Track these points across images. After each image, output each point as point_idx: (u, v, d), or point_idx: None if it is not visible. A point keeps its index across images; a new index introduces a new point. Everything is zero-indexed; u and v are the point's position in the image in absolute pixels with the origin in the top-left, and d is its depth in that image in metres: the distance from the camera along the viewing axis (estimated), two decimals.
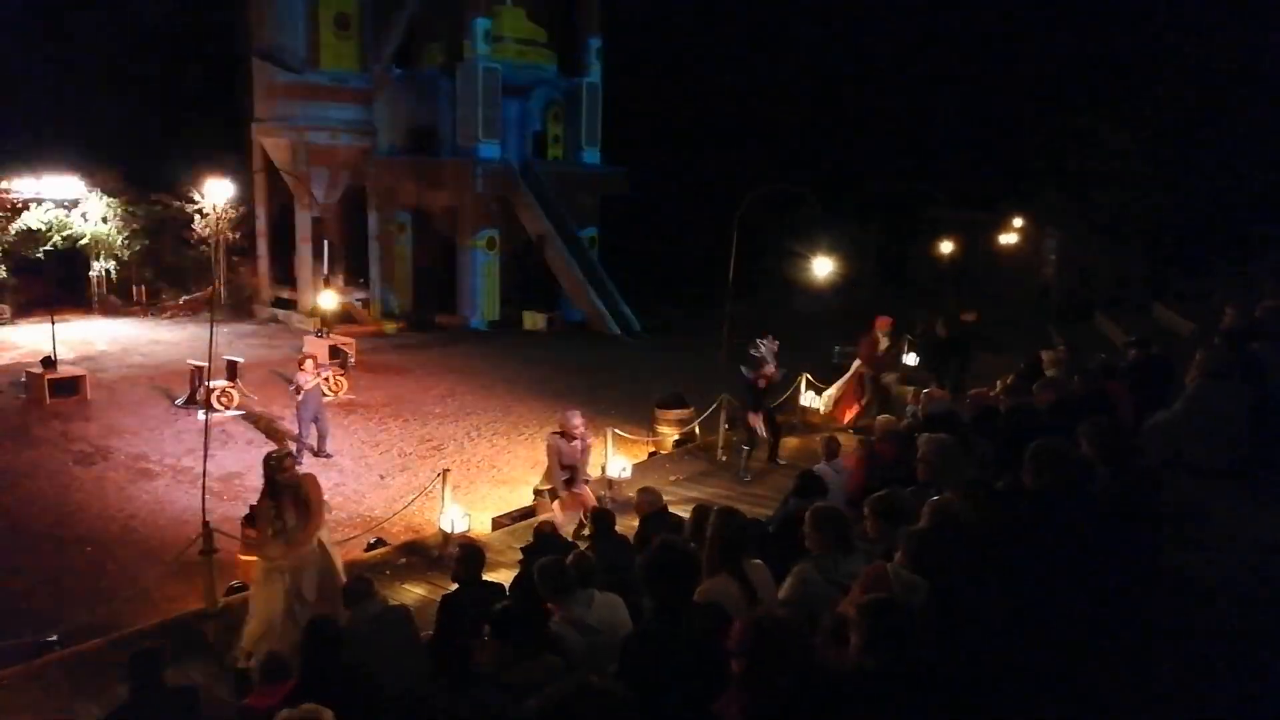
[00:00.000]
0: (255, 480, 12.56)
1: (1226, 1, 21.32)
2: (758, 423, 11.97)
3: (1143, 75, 23.27)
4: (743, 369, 11.88)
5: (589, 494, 9.56)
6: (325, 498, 7.19)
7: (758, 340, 11.88)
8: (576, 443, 9.38)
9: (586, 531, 9.05)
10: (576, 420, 9.38)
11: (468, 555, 6.09)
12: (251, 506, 7.03)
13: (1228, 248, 20.83)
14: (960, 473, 5.21)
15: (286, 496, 6.70)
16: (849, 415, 13.86)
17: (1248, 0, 20.62)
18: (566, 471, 9.36)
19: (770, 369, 11.68)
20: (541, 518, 9.75)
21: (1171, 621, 4.23)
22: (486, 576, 6.82)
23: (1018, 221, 30.16)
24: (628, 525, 7.58)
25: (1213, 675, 3.78)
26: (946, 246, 26.53)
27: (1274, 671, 3.84)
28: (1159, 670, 3.80)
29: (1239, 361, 6.70)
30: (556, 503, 9.40)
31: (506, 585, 6.40)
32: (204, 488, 8.42)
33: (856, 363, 13.88)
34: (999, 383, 9.40)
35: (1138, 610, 4.17)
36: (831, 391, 14.14)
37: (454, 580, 6.15)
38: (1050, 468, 4.41)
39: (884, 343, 13.89)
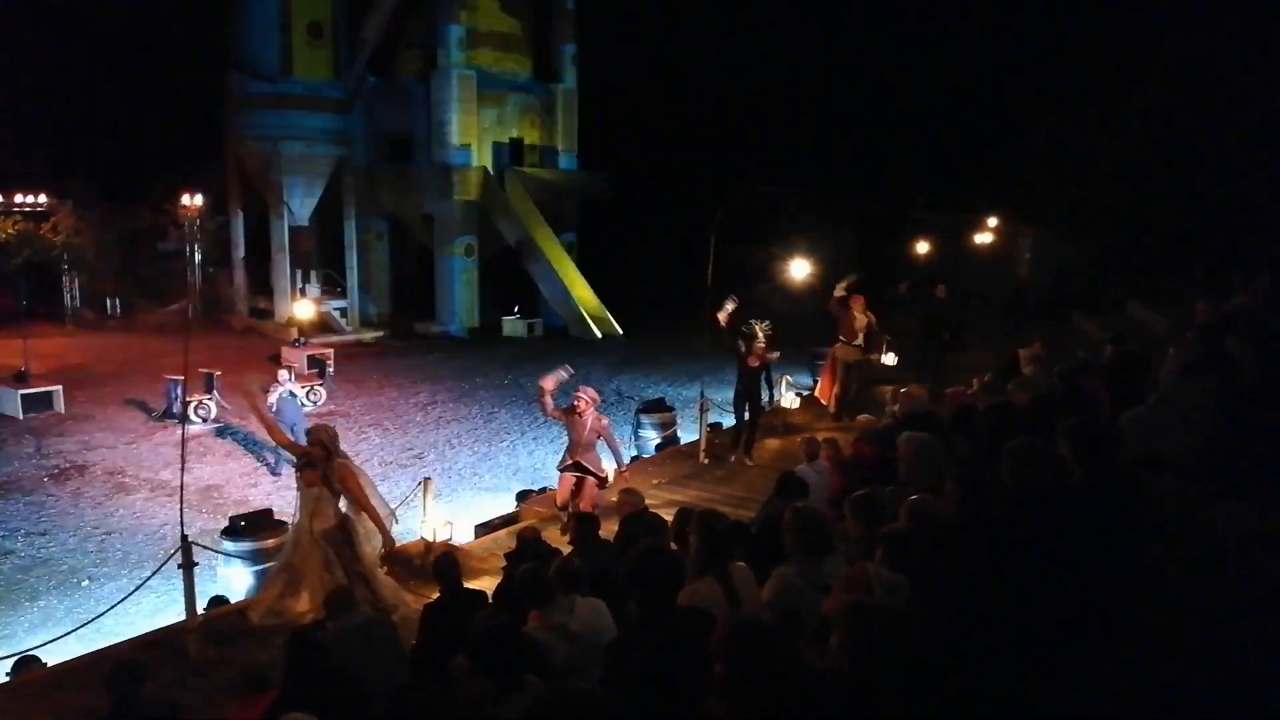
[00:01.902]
0: (234, 492, 12.55)
1: (1203, 4, 21.61)
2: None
3: (1117, 75, 23.53)
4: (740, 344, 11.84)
5: (591, 492, 9.47)
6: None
7: (750, 320, 11.86)
8: (579, 417, 9.16)
9: (568, 536, 9.04)
10: (584, 394, 9.22)
11: (442, 565, 6.06)
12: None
13: (1202, 245, 21.08)
14: (939, 471, 5.24)
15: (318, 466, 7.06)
16: (829, 397, 13.91)
17: (1222, 4, 20.91)
18: (572, 451, 9.26)
19: (761, 346, 11.59)
20: (527, 523, 9.72)
21: (1149, 616, 4.26)
22: (473, 585, 6.82)
23: (993, 221, 30.38)
24: (612, 529, 7.56)
25: (1192, 669, 3.82)
26: (923, 246, 26.68)
27: (1254, 664, 3.88)
28: (1138, 665, 3.83)
29: (1212, 357, 6.77)
30: (562, 479, 9.34)
31: (489, 592, 6.38)
32: (182, 501, 8.33)
33: (835, 348, 13.90)
34: (976, 381, 9.45)
35: (1116, 606, 4.20)
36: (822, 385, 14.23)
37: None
38: (1028, 466, 4.44)
39: (860, 319, 13.78)
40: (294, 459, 7.19)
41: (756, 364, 11.69)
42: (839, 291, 13.61)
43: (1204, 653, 3.91)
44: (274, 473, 13.28)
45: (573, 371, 9.19)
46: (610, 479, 9.53)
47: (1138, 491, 5.09)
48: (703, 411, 12.60)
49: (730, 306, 11.54)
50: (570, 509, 9.24)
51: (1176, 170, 22.08)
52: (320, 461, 7.10)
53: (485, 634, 3.84)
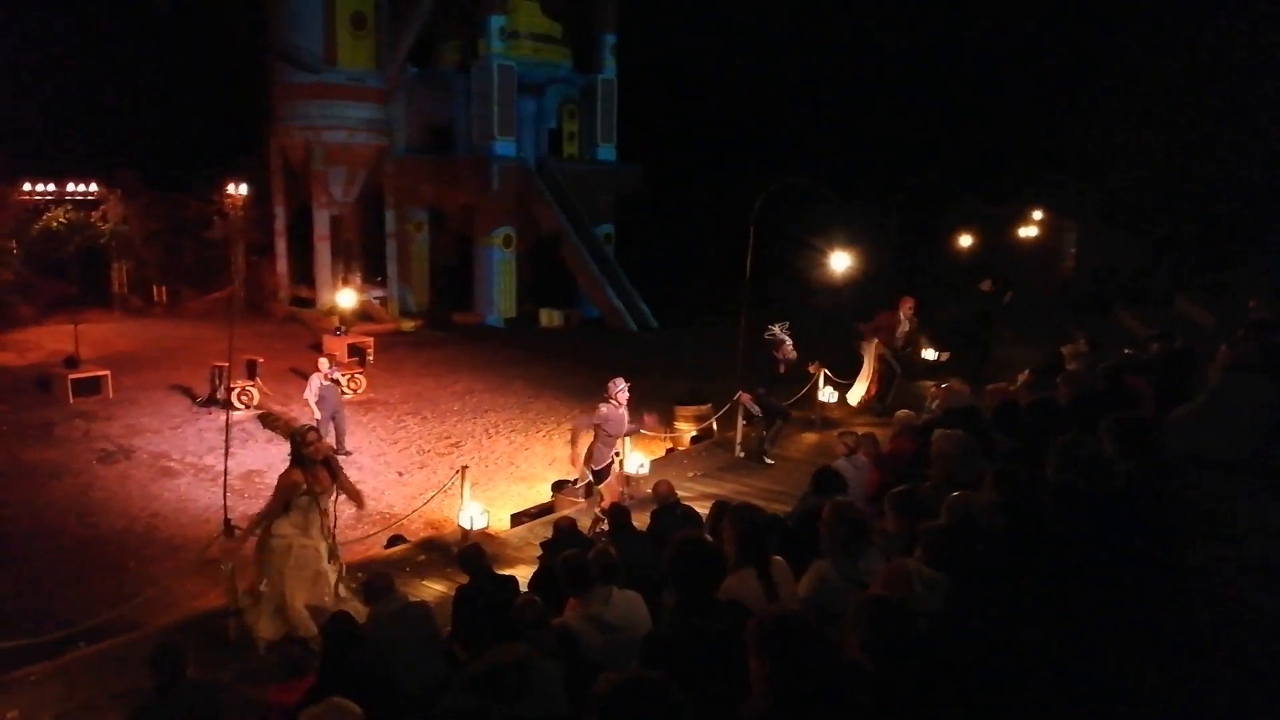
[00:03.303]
0: (276, 477, 12.71)
1: None
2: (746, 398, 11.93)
3: (1161, 67, 23.02)
4: (774, 353, 11.77)
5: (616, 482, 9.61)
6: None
7: (770, 325, 11.82)
8: (623, 410, 9.37)
9: (604, 527, 9.08)
10: (622, 385, 9.39)
11: (468, 556, 6.15)
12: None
13: (1250, 240, 20.60)
14: (975, 468, 5.17)
15: (318, 469, 6.93)
16: (864, 397, 13.87)
17: None
18: (609, 445, 9.34)
19: (788, 347, 11.57)
20: (563, 512, 9.77)
21: (1194, 615, 4.18)
22: (507, 572, 6.86)
23: (1037, 214, 29.93)
24: (645, 521, 7.57)
25: (1238, 669, 3.74)
26: (966, 240, 26.38)
27: None
28: (1181, 664, 3.75)
29: (1264, 354, 6.61)
30: (602, 486, 9.40)
31: (520, 579, 6.42)
32: (225, 485, 8.49)
33: (874, 344, 13.78)
34: (1019, 377, 9.31)
35: (1160, 604, 4.12)
36: (859, 385, 14.09)
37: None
38: (1073, 463, 4.37)
39: (905, 325, 13.87)
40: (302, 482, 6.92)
41: (784, 370, 11.67)
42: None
43: (1247, 652, 3.83)
44: None
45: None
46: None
47: (1184, 489, 4.99)
48: (739, 404, 12.53)
49: (785, 337, 11.52)
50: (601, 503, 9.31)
51: (1224, 162, 21.56)
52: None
53: (472, 606, 3.97)
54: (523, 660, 3.77)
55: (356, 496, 7.38)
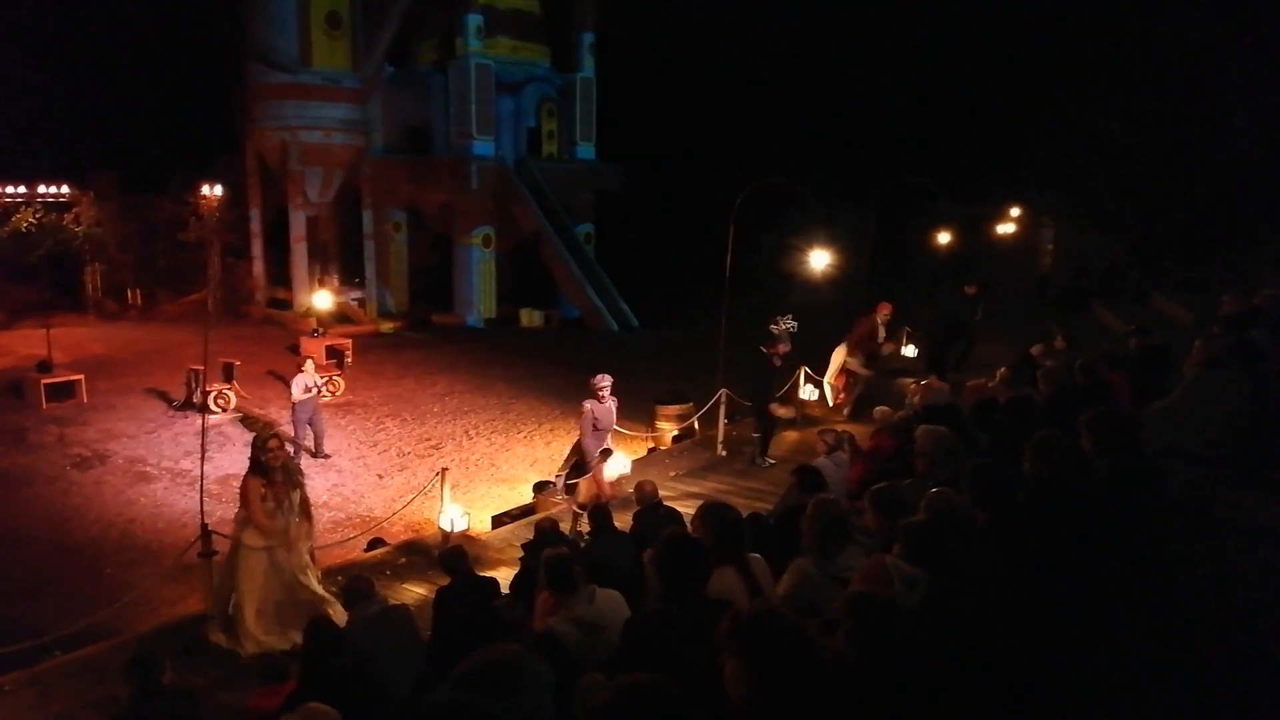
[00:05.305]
0: None
1: None
2: (779, 409, 12.05)
3: (1135, 62, 23.21)
4: (762, 348, 11.77)
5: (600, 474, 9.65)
6: (324, 498, 7.30)
7: (776, 318, 11.87)
8: (609, 404, 9.43)
9: (585, 526, 9.09)
10: (605, 381, 9.43)
11: (450, 558, 6.17)
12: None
13: (1225, 236, 20.79)
14: (957, 465, 5.19)
15: (276, 476, 6.90)
16: (845, 403, 13.95)
17: None
18: (599, 439, 9.38)
19: (785, 346, 11.64)
20: (544, 513, 9.75)
21: (1172, 610, 4.21)
22: (489, 574, 6.84)
23: (1015, 211, 30.11)
24: (627, 521, 7.56)
25: (1214, 664, 3.77)
26: (944, 238, 26.50)
27: (1277, 659, 3.82)
28: (1160, 657, 3.78)
29: (1237, 349, 6.68)
30: (585, 480, 9.41)
31: (502, 581, 6.41)
32: (202, 490, 8.40)
33: (843, 355, 13.85)
34: (997, 373, 9.37)
35: (1138, 599, 4.15)
36: (829, 385, 14.14)
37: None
38: (1051, 458, 4.40)
39: (882, 332, 13.91)
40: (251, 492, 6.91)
41: (780, 364, 11.70)
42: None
43: (1224, 647, 3.87)
44: None
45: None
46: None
47: (1161, 483, 5.04)
48: (720, 403, 12.55)
49: (785, 335, 11.59)
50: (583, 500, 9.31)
51: (1200, 158, 21.77)
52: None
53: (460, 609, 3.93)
54: (515, 657, 3.76)
55: (308, 515, 7.28)
